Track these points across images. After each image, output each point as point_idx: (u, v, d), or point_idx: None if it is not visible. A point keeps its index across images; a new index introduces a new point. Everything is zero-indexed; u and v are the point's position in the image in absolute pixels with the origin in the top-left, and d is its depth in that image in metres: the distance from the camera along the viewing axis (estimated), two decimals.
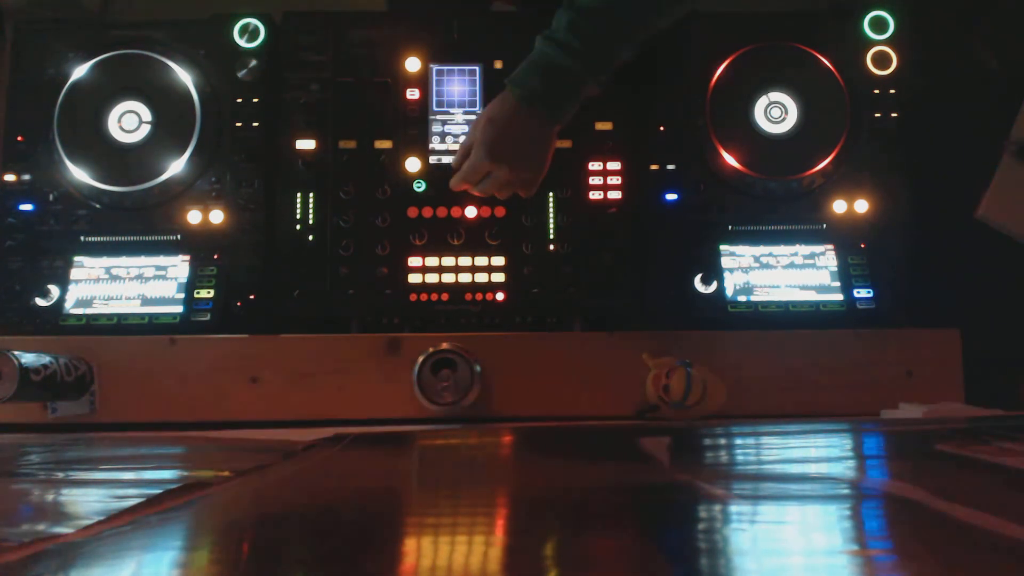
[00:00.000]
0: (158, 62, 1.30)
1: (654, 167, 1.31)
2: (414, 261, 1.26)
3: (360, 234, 1.26)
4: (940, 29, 1.41)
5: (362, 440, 0.99)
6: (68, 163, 1.27)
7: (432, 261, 1.26)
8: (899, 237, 1.29)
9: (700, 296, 1.26)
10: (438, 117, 1.29)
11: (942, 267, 1.30)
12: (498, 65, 1.29)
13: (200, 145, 1.28)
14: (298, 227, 1.27)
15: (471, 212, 1.27)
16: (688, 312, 1.26)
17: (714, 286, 1.26)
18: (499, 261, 1.27)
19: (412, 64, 1.30)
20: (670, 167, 1.31)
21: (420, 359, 1.17)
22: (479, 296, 1.26)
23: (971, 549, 0.46)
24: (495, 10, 1.47)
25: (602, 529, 0.53)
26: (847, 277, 1.26)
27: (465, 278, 1.26)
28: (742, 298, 1.26)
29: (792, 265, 1.27)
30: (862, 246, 1.28)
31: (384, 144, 1.29)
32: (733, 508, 0.58)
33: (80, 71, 1.29)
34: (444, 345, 1.18)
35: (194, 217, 1.29)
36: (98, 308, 1.24)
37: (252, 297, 1.26)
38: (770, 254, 1.28)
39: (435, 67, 1.30)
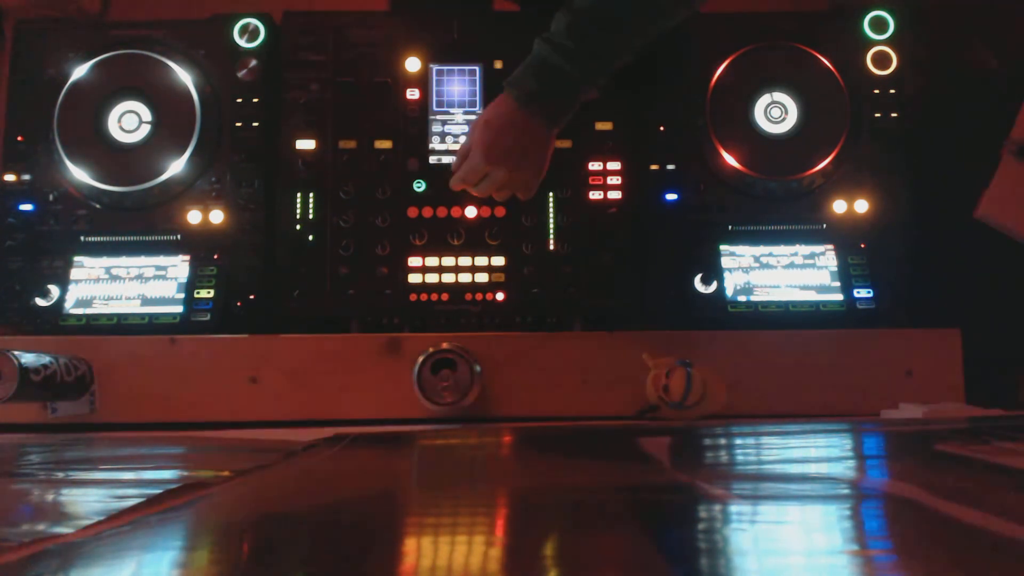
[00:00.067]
0: (158, 62, 1.30)
1: (654, 167, 1.31)
2: (414, 261, 1.26)
3: (360, 234, 1.26)
4: (940, 29, 1.41)
5: (362, 440, 0.99)
6: (68, 163, 1.27)
7: (432, 261, 1.26)
8: (899, 237, 1.29)
9: (700, 296, 1.26)
10: (438, 117, 1.29)
11: (942, 267, 1.30)
12: (498, 65, 1.29)
13: (200, 145, 1.28)
14: (298, 227, 1.27)
15: (471, 212, 1.27)
16: (688, 312, 1.26)
17: (714, 286, 1.26)
18: (499, 261, 1.27)
19: (412, 64, 1.30)
20: (670, 167, 1.31)
21: (420, 359, 1.17)
22: (479, 296, 1.26)
23: (971, 549, 0.46)
24: (499, 9, 1.47)
25: (602, 529, 0.53)
26: (847, 277, 1.26)
27: (465, 278, 1.26)
28: (742, 298, 1.26)
29: (792, 265, 1.27)
30: (862, 246, 1.28)
31: (384, 144, 1.29)
32: (733, 508, 0.58)
33: (80, 71, 1.29)
34: (444, 345, 1.18)
35: (194, 217, 1.29)
36: (98, 308, 1.24)
37: (252, 297, 1.26)
38: (770, 254, 1.28)
39: (435, 67, 1.30)
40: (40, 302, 1.23)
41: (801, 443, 0.94)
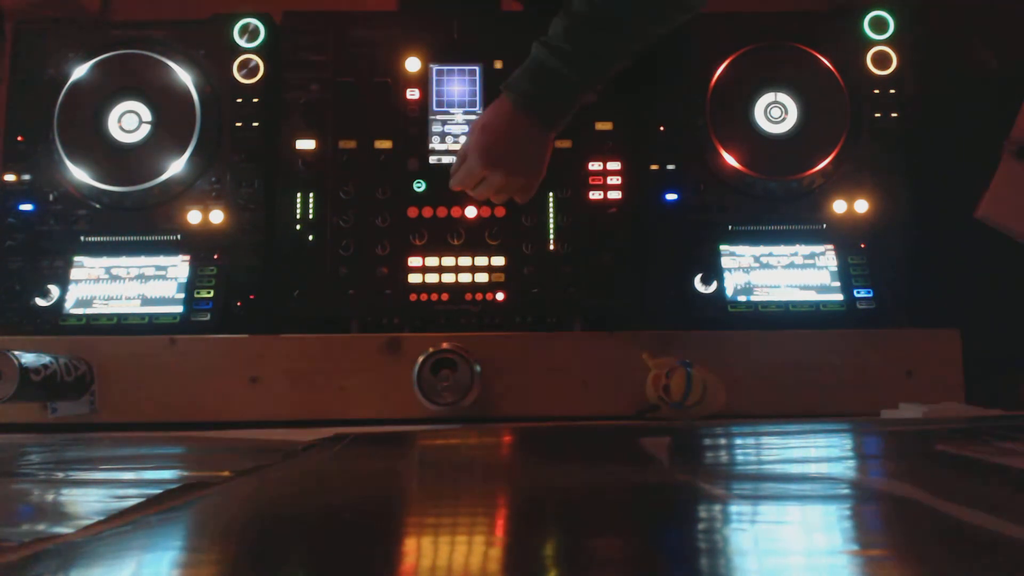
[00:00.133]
0: (158, 62, 1.30)
1: (654, 167, 1.31)
2: (414, 261, 1.26)
3: (360, 234, 1.26)
4: (940, 29, 1.41)
5: (362, 440, 0.99)
6: (68, 163, 1.27)
7: (432, 261, 1.26)
8: (899, 237, 1.29)
9: (700, 296, 1.26)
10: (438, 117, 1.29)
11: (942, 267, 1.30)
12: (498, 65, 1.29)
13: (200, 145, 1.28)
14: (298, 227, 1.27)
15: (471, 212, 1.27)
16: (688, 312, 1.26)
17: (714, 286, 1.26)
18: (499, 261, 1.27)
19: (412, 64, 1.30)
20: (670, 167, 1.31)
21: (420, 359, 1.17)
22: (479, 296, 1.26)
23: (971, 549, 0.46)
24: (504, 9, 1.47)
25: (602, 529, 0.53)
26: (847, 277, 1.26)
27: (465, 278, 1.26)
28: (742, 298, 1.26)
29: (792, 265, 1.27)
30: (862, 246, 1.28)
31: (384, 144, 1.29)
32: (733, 508, 0.58)
33: (80, 71, 1.29)
34: (444, 345, 1.18)
35: (194, 217, 1.29)
36: (98, 308, 1.24)
37: (252, 297, 1.26)
38: (770, 254, 1.28)
39: (435, 67, 1.30)
40: (40, 302, 1.23)
41: (801, 443, 0.94)
